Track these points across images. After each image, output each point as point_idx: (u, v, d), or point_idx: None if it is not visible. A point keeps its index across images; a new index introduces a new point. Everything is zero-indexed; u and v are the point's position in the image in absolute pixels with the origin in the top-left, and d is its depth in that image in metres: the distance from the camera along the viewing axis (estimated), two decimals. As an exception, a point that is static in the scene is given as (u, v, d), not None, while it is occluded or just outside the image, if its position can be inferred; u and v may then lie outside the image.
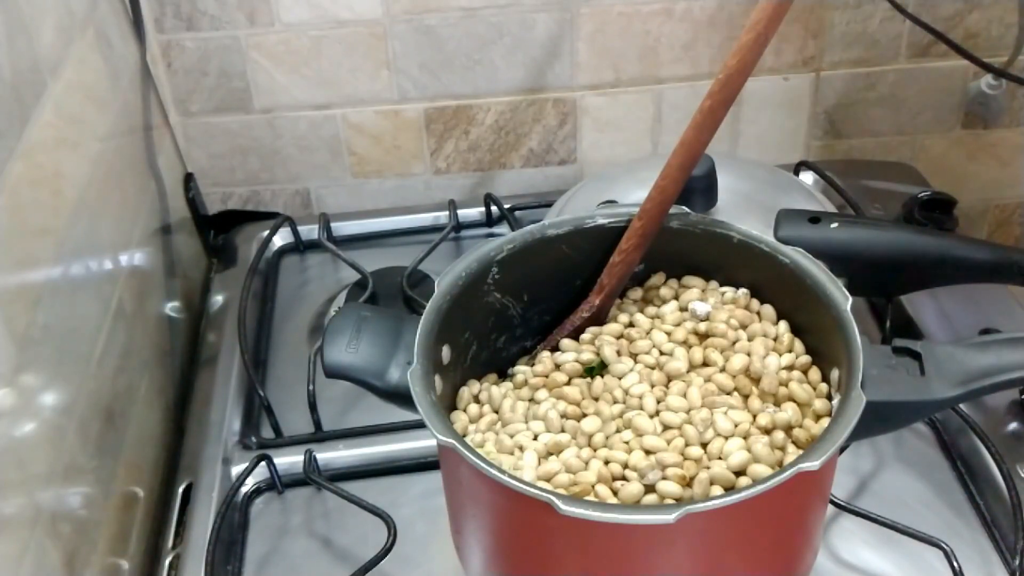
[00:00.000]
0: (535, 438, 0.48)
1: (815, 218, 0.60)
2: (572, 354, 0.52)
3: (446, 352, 0.49)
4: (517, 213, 0.83)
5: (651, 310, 0.54)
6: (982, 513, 0.59)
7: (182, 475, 0.64)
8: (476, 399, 0.52)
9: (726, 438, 0.47)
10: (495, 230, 0.83)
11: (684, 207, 0.53)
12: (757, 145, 0.88)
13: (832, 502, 0.57)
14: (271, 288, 0.80)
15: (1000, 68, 0.82)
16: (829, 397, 0.48)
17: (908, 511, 0.58)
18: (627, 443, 0.47)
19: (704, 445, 0.47)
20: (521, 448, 0.48)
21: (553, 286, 0.54)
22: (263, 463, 0.62)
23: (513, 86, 0.84)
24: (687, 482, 0.45)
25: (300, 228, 0.83)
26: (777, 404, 0.48)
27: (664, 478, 0.45)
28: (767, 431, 0.47)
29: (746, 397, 0.49)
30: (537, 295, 0.54)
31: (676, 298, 0.54)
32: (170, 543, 0.61)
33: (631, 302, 0.55)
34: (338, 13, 0.79)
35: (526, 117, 0.86)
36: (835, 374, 0.48)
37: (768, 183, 0.72)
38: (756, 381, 0.49)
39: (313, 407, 0.65)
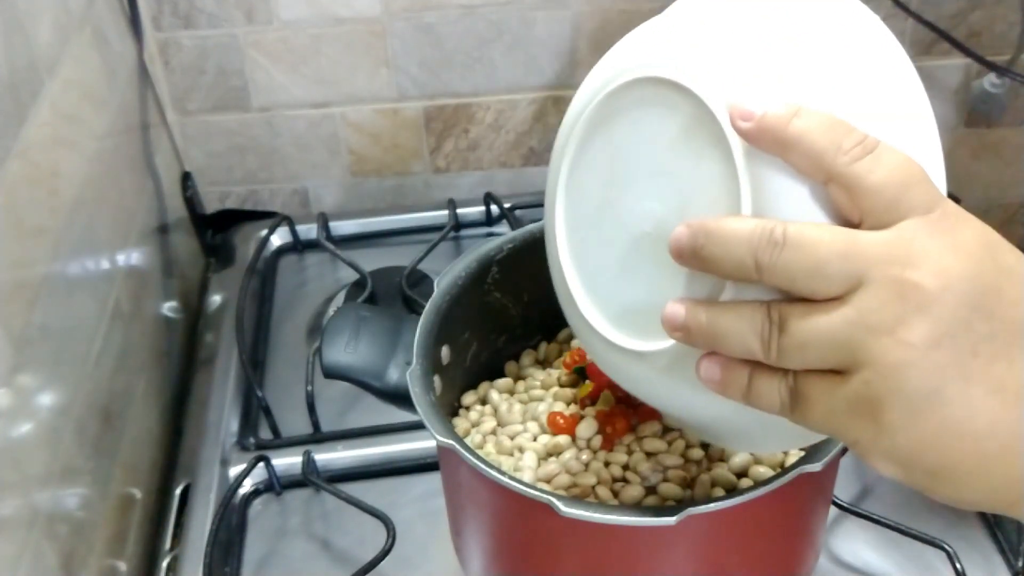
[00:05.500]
0: (534, 439, 0.48)
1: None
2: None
3: (445, 352, 0.49)
4: (517, 212, 0.82)
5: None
6: (985, 514, 0.59)
7: (180, 476, 0.64)
8: (478, 401, 0.51)
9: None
10: (495, 229, 0.83)
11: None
12: (758, 144, 0.88)
13: (835, 503, 0.57)
14: (269, 288, 0.79)
15: (1003, 66, 0.82)
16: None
17: (911, 512, 0.58)
18: (627, 445, 0.47)
19: (705, 447, 0.46)
20: (521, 449, 0.47)
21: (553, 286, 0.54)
22: (261, 464, 0.62)
23: (513, 84, 0.84)
24: (688, 484, 0.45)
25: (298, 227, 0.82)
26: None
27: (665, 480, 0.45)
28: (769, 432, 0.47)
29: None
30: (537, 295, 0.53)
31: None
32: (168, 545, 0.61)
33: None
34: (337, 11, 0.79)
35: (526, 115, 0.85)
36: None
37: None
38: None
39: (312, 408, 0.65)
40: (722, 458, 0.46)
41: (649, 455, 0.46)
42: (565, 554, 0.44)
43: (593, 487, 0.45)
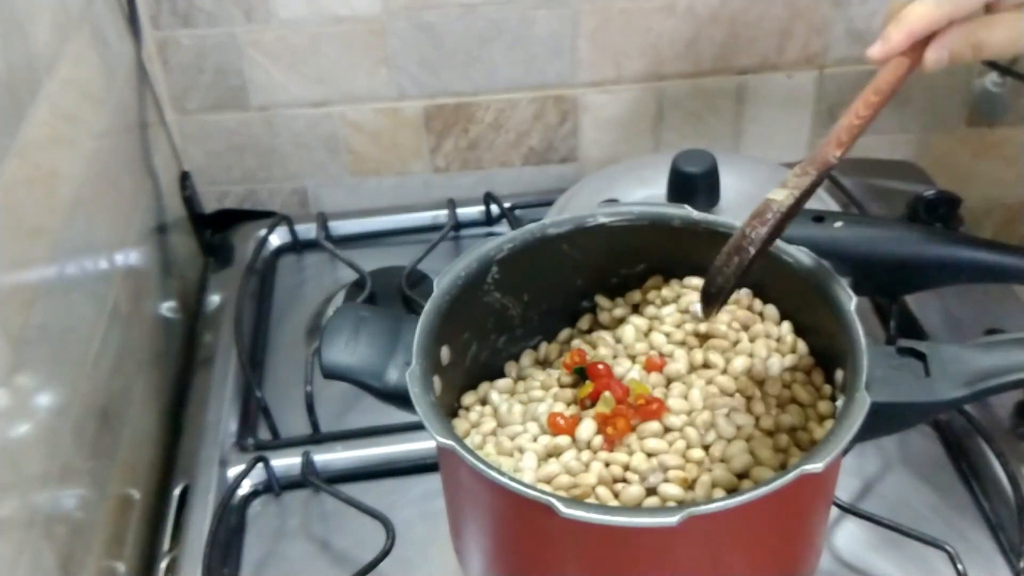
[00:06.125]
0: (534, 440, 0.48)
1: (819, 217, 0.59)
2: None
3: (445, 353, 0.49)
4: (517, 212, 0.82)
5: (650, 311, 0.53)
6: (987, 515, 0.58)
7: (178, 477, 0.64)
8: (478, 402, 0.51)
9: (728, 440, 0.46)
10: (495, 229, 0.82)
11: (686, 206, 0.52)
12: (760, 143, 0.88)
13: (836, 504, 0.57)
14: (268, 288, 0.79)
15: (1005, 66, 0.82)
16: (833, 398, 0.48)
17: (913, 513, 0.58)
18: (628, 445, 0.46)
19: (706, 448, 0.46)
20: (521, 450, 0.47)
21: (553, 286, 0.53)
22: (260, 465, 0.62)
23: (513, 83, 0.83)
24: (689, 484, 0.45)
25: (297, 227, 0.82)
26: (780, 406, 0.48)
27: (666, 480, 0.45)
28: (770, 433, 0.47)
29: (749, 399, 0.48)
30: (537, 295, 0.53)
31: (676, 299, 0.53)
32: (166, 546, 0.61)
33: (628, 305, 0.54)
34: (336, 10, 0.79)
35: (526, 115, 0.85)
36: (839, 375, 0.47)
37: (771, 181, 0.71)
38: (759, 383, 0.48)
39: (311, 408, 0.64)
40: (723, 459, 0.45)
41: (649, 455, 0.46)
42: (565, 555, 0.43)
43: (593, 487, 0.45)
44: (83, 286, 0.59)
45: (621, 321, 0.53)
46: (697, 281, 0.53)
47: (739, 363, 0.49)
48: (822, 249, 0.50)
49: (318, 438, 0.64)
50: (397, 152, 0.86)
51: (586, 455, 0.46)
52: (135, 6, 0.75)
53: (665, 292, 0.53)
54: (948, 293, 0.69)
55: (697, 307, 0.51)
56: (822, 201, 0.70)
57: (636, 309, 0.54)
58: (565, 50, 0.82)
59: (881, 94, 0.47)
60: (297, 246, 0.82)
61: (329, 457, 0.63)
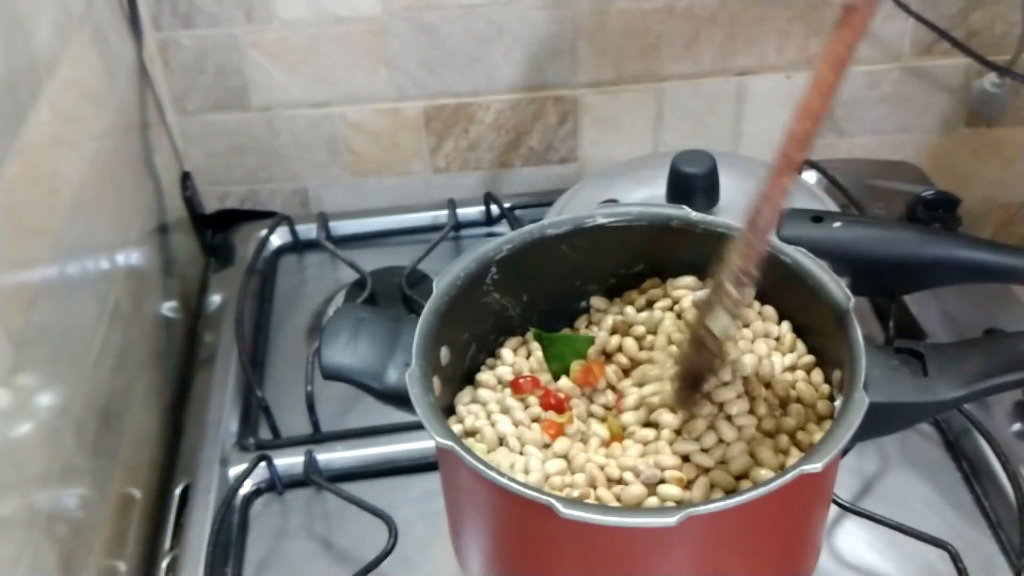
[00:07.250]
0: (533, 440, 0.48)
1: (818, 217, 0.59)
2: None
3: (444, 353, 0.49)
4: (517, 212, 0.82)
5: (644, 315, 0.53)
6: (987, 514, 0.58)
7: (179, 476, 0.64)
8: (473, 402, 0.51)
9: (728, 444, 0.46)
10: (495, 229, 0.82)
11: (685, 206, 0.52)
12: (759, 143, 0.88)
13: (836, 503, 0.57)
14: (269, 288, 0.79)
15: (1003, 66, 0.82)
16: (831, 399, 0.48)
17: (913, 512, 0.58)
18: (622, 444, 0.46)
19: (706, 450, 0.46)
20: (521, 452, 0.47)
21: (552, 286, 0.53)
22: (262, 464, 0.62)
23: (513, 84, 0.84)
24: (686, 485, 0.45)
25: (298, 227, 0.82)
26: (783, 407, 0.48)
27: (663, 481, 0.45)
28: (769, 434, 0.47)
29: (753, 399, 0.48)
30: (536, 296, 0.53)
31: (673, 305, 0.53)
32: (167, 545, 0.61)
33: (625, 305, 0.54)
34: (336, 10, 0.79)
35: (526, 115, 0.85)
36: (837, 375, 0.47)
37: (770, 182, 0.72)
38: (765, 384, 0.48)
39: (311, 408, 0.64)
40: (723, 460, 0.46)
41: (643, 453, 0.46)
42: (565, 555, 0.44)
43: (593, 488, 0.45)
44: (84, 286, 0.60)
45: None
46: (688, 280, 0.53)
47: (744, 362, 0.49)
48: (821, 249, 0.50)
49: (319, 437, 0.65)
50: (397, 152, 0.86)
51: (583, 455, 0.46)
52: (136, 7, 0.75)
53: (659, 292, 0.53)
54: (947, 293, 0.69)
55: (696, 295, 0.52)
56: (821, 201, 0.70)
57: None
58: (565, 51, 0.82)
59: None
60: (298, 246, 0.83)
61: (331, 456, 0.63)
